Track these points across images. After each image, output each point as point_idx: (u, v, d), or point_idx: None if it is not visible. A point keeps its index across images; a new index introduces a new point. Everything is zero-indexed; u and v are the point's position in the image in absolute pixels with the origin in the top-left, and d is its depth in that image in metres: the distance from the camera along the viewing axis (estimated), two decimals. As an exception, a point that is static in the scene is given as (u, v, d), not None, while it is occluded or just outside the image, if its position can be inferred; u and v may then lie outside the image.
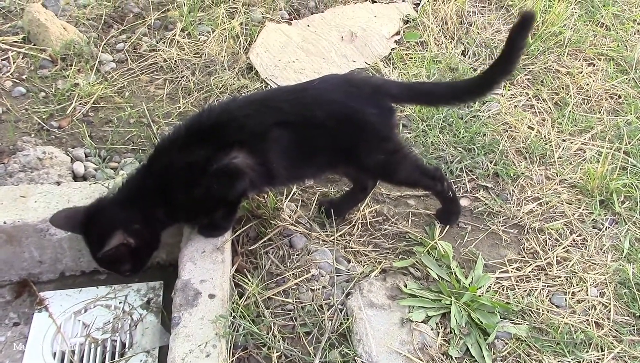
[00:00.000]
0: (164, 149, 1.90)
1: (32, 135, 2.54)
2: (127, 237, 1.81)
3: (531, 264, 2.13)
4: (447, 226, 2.22)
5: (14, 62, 2.87)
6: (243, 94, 2.74)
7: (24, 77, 2.82)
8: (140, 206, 1.86)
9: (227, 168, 1.81)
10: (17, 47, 2.95)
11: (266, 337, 1.82)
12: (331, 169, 2.16)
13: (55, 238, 2.04)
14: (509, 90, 2.84)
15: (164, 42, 3.03)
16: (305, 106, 1.87)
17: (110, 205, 1.89)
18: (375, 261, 2.09)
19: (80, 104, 2.69)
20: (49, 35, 2.93)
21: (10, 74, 2.83)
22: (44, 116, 2.62)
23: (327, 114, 1.87)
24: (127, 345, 1.95)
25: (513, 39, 1.87)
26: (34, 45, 2.97)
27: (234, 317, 1.80)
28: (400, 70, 2.90)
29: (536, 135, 2.61)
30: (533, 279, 2.08)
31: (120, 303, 2.05)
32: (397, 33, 3.18)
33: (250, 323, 1.82)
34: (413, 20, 3.25)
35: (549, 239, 2.21)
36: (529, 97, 2.83)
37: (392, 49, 3.07)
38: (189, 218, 1.98)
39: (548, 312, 1.97)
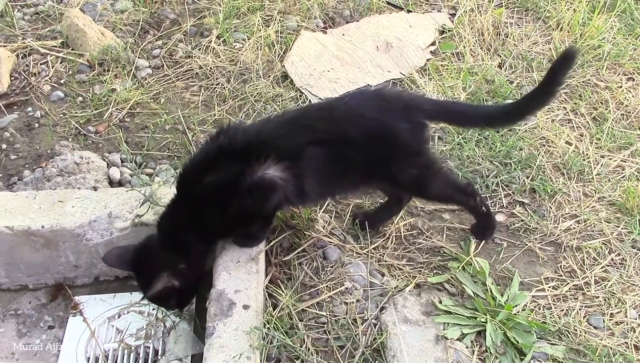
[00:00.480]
0: (192, 174, 1.88)
1: (70, 139, 2.57)
2: (171, 280, 1.84)
3: (568, 283, 2.09)
4: (483, 242, 2.19)
5: (52, 67, 2.92)
6: (277, 102, 2.75)
7: (62, 81, 2.86)
8: (181, 242, 1.88)
9: (260, 181, 1.79)
10: (56, 51, 2.99)
11: (300, 350, 1.81)
12: (365, 185, 2.14)
13: (91, 243, 2.06)
14: (546, 104, 2.80)
15: (199, 49, 3.05)
16: (337, 123, 1.87)
17: (156, 245, 1.91)
18: (410, 276, 2.07)
19: (116, 109, 2.72)
20: (87, 41, 2.96)
21: (49, 78, 2.87)
22: (81, 121, 2.65)
23: (359, 129, 1.86)
24: (159, 352, 1.96)
25: (554, 74, 1.88)
26: (72, 50, 3.01)
27: (267, 329, 1.79)
28: (436, 81, 2.88)
29: (574, 150, 2.57)
30: (570, 298, 2.05)
31: (153, 309, 2.06)
32: (433, 43, 3.16)
33: (283, 335, 1.81)
34: (449, 30, 3.22)
35: (587, 258, 2.17)
36: (567, 112, 2.78)
37: (427, 60, 3.05)
38: (225, 236, 1.99)
39: (586, 333, 1.93)
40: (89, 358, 1.95)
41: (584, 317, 1.99)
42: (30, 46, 2.99)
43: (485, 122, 2.08)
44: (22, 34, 3.10)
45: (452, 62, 3.03)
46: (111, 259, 1.94)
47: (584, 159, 2.53)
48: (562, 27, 3.20)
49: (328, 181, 1.91)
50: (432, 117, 2.02)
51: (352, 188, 2.09)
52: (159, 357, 1.95)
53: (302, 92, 2.81)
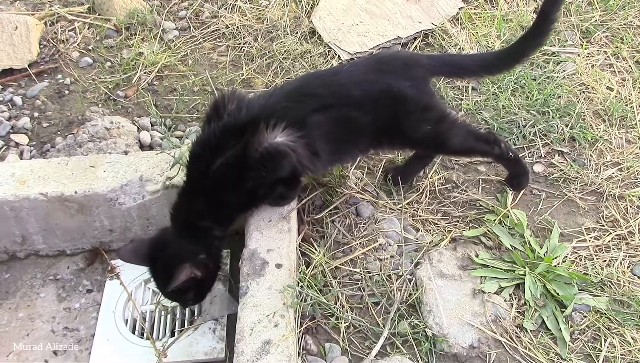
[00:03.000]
0: (201, 160, 1.81)
1: (100, 105, 2.57)
2: (193, 270, 1.77)
3: (611, 233, 2.02)
4: (521, 193, 2.13)
5: (80, 33, 2.91)
6: (306, 59, 2.70)
7: (90, 47, 2.86)
8: (198, 230, 1.82)
9: (270, 148, 1.73)
10: (83, 17, 2.99)
11: (334, 307, 1.79)
12: (375, 148, 2.07)
13: (124, 207, 2.06)
14: (585, 48, 2.68)
15: (225, 9, 3.01)
16: (340, 87, 1.84)
17: (172, 236, 1.84)
18: (445, 230, 2.03)
19: (145, 73, 2.70)
20: (113, 5, 2.95)
21: (77, 44, 2.87)
22: (110, 86, 2.65)
23: (363, 92, 1.83)
24: (195, 313, 1.97)
25: (545, 12, 1.86)
26: (99, 15, 3.00)
27: (301, 287, 1.78)
28: (469, 30, 2.78)
29: (615, 96, 2.46)
30: (613, 249, 1.98)
31: (188, 271, 2.06)
32: (465, -9, 3.05)
33: (317, 293, 1.80)
34: (482, -23, 3.10)
35: (630, 206, 2.09)
36: (608, 56, 2.66)
37: (459, 8, 2.94)
38: (245, 211, 1.94)
39: (629, 284, 1.87)
40: (127, 320, 1.97)
41: (628, 267, 1.93)
42: (58, 13, 2.98)
43: (483, 70, 2.05)
44: (49, 1, 3.09)
45: (486, 10, 2.92)
46: (126, 254, 1.88)
47: (626, 105, 2.43)
48: (602, -33, 3.05)
49: (337, 145, 1.88)
50: (431, 72, 1.99)
51: (361, 152, 2.07)
52: (195, 318, 1.96)
53: (330, 48, 2.75)
